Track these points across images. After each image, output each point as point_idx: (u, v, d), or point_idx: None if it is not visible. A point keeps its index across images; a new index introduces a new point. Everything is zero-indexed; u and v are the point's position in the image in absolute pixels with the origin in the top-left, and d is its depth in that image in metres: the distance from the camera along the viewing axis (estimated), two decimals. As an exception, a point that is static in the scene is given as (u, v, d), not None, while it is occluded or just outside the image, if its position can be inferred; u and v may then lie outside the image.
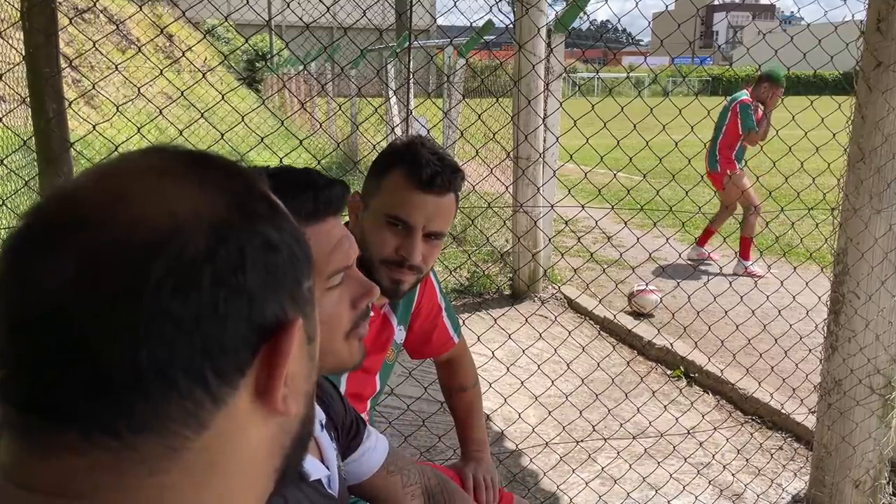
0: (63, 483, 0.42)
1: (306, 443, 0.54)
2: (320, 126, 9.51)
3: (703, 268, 5.91)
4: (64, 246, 0.42)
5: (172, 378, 0.42)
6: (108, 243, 0.42)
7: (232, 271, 0.43)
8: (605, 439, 3.07)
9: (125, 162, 0.47)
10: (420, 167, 1.39)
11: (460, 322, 1.84)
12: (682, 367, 3.88)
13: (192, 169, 0.47)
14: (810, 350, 3.02)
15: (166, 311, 0.41)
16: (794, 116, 2.53)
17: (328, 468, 0.99)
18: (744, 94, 5.75)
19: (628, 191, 2.90)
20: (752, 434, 3.23)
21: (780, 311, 3.00)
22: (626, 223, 2.91)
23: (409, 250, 1.39)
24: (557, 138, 4.48)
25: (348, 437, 1.17)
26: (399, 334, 1.65)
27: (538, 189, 4.53)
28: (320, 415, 1.07)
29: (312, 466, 0.93)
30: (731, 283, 3.20)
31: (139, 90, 1.95)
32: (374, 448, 1.21)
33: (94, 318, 0.41)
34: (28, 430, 0.43)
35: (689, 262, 5.84)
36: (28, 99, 2.20)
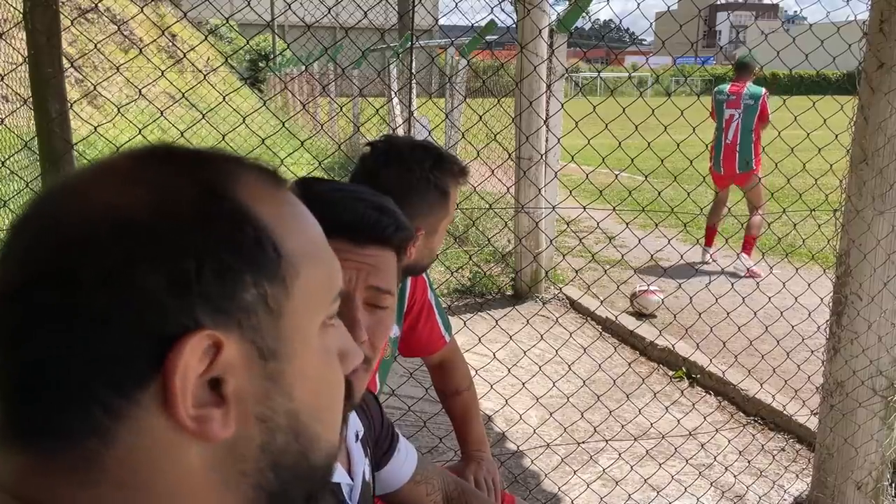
0: (17, 483, 0.42)
1: (302, 474, 0.48)
2: (321, 127, 9.51)
3: (705, 269, 5.90)
4: (15, 239, 0.43)
5: (59, 382, 0.40)
6: (28, 239, 0.43)
7: (125, 274, 0.40)
8: (606, 440, 3.06)
9: (105, 159, 0.47)
10: (461, 169, 1.50)
11: (461, 323, 1.84)
12: (683, 368, 3.87)
13: (141, 166, 0.46)
14: (812, 351, 3.01)
15: (49, 310, 0.40)
16: (796, 117, 2.53)
17: (353, 480, 0.99)
18: (758, 88, 5.66)
19: (630, 192, 2.90)
20: (754, 435, 3.23)
21: (782, 313, 3.00)
22: (627, 224, 2.91)
23: None
24: (559, 139, 4.47)
25: (382, 449, 1.20)
26: (394, 330, 1.66)
27: (540, 190, 4.52)
28: (358, 426, 1.07)
29: (336, 473, 0.93)
30: (732, 284, 3.20)
31: (139, 91, 1.96)
32: (406, 460, 1.24)
33: (1, 313, 0.41)
34: None
35: (744, 276, 5.56)
36: (31, 99, 2.20)
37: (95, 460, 0.42)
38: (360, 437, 1.05)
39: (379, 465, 1.18)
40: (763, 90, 5.62)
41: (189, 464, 0.43)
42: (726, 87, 5.74)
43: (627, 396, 3.13)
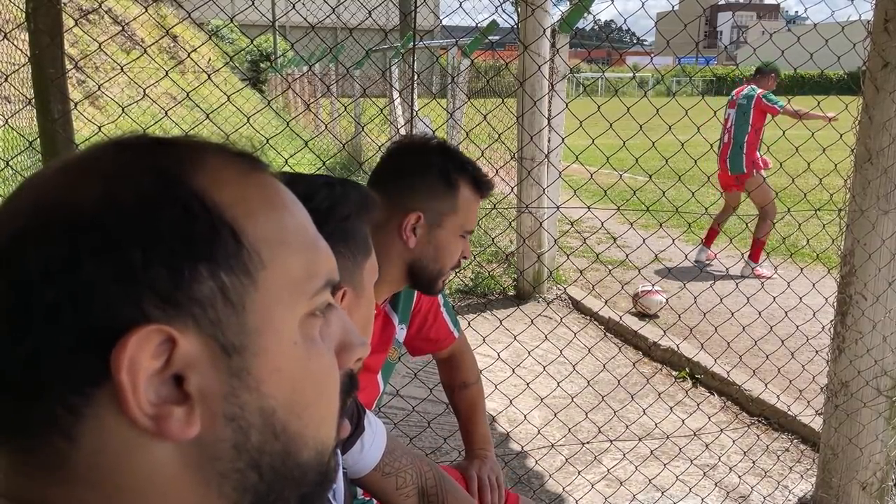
0: (3, 482, 0.43)
1: (290, 475, 0.46)
2: (325, 127, 9.53)
3: (708, 269, 5.89)
4: None
5: (19, 379, 0.40)
6: None
7: (71, 268, 0.40)
8: (610, 441, 3.06)
9: (74, 153, 0.47)
10: (483, 179, 1.51)
11: (465, 323, 1.84)
12: (688, 369, 3.87)
13: (101, 157, 0.45)
14: (817, 351, 3.00)
15: (3, 305, 0.40)
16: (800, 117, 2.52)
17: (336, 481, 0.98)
18: (755, 89, 5.68)
19: (634, 191, 2.89)
20: (758, 436, 3.22)
21: (786, 313, 2.99)
22: (631, 224, 2.90)
23: (468, 251, 1.54)
24: (563, 139, 4.47)
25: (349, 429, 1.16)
26: (400, 333, 1.65)
27: (543, 190, 4.52)
28: None
29: None
30: (737, 284, 3.19)
31: (144, 91, 1.95)
32: (372, 446, 1.20)
33: None
34: None
35: (696, 265, 5.79)
36: (33, 100, 2.20)
37: (65, 459, 0.41)
38: None
39: (346, 447, 1.15)
40: (757, 91, 5.62)
41: (158, 463, 0.42)
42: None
43: (632, 397, 3.13)
